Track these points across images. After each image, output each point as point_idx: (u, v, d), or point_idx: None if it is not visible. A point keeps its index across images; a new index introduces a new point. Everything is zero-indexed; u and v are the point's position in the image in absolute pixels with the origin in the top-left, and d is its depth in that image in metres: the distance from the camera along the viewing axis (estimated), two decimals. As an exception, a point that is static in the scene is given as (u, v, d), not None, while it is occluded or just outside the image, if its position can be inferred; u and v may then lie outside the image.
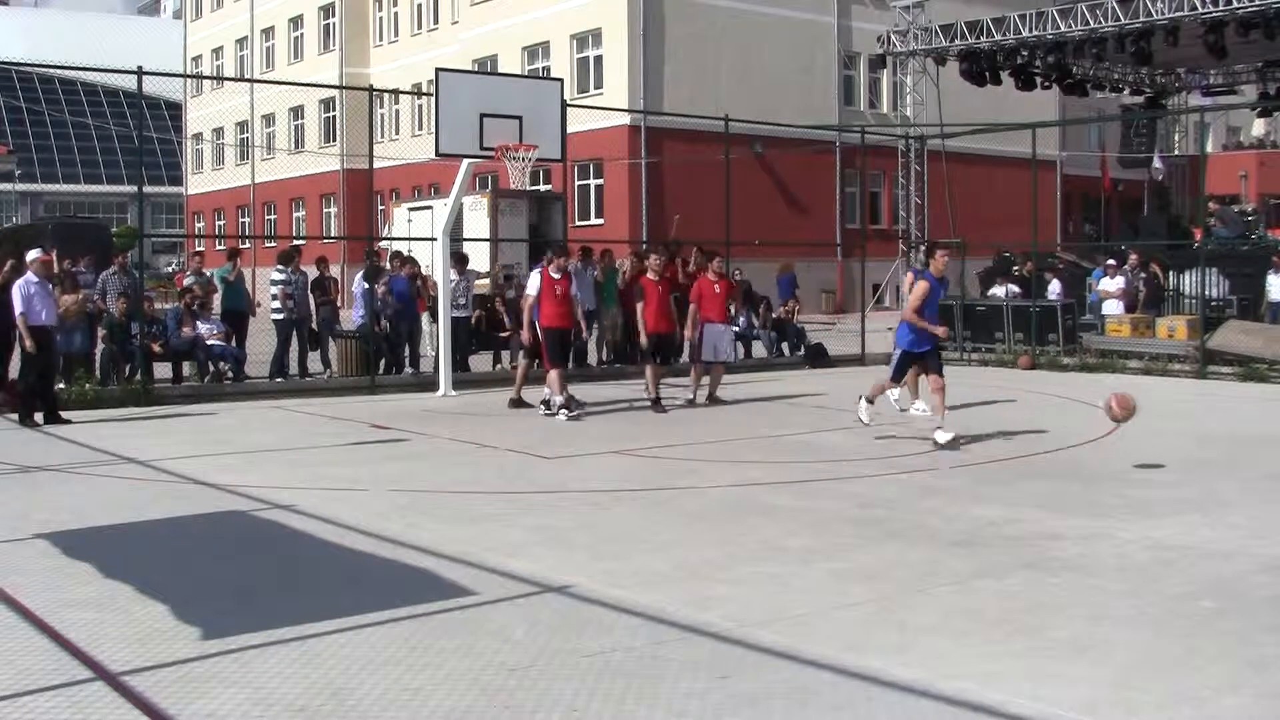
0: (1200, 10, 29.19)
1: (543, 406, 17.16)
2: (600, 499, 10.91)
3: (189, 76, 74.34)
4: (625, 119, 42.04)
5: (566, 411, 16.62)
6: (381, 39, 61.24)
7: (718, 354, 18.29)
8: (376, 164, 24.45)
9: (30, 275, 16.16)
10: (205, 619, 6.97)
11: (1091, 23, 31.51)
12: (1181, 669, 6.18)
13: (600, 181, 45.26)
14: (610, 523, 9.88)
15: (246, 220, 69.07)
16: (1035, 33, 32.90)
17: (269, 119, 66.83)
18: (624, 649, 6.47)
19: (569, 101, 22.58)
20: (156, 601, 7.39)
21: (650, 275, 18.13)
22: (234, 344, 21.12)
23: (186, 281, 22.86)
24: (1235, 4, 28.60)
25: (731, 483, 11.76)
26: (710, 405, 18.12)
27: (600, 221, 44.12)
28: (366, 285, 21.63)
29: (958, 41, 34.83)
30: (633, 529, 9.62)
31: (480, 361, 23.64)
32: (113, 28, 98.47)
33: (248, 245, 60.61)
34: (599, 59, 45.71)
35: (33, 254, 16.52)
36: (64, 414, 16.58)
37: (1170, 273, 28.54)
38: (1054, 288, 28.95)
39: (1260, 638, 6.68)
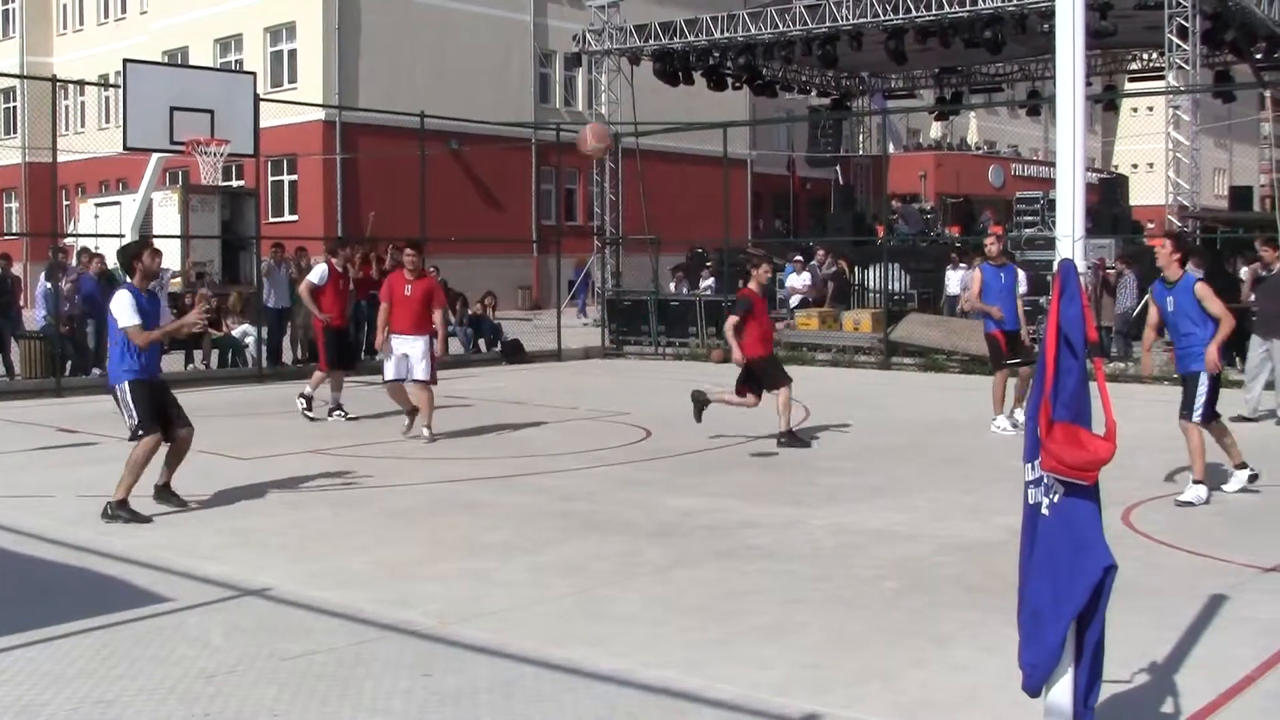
0: (882, 18, 30.32)
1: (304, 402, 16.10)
2: (298, 499, 10.73)
3: None
4: (320, 114, 41.32)
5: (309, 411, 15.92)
6: (66, 27, 58.73)
7: (410, 371, 14.27)
8: (61, 157, 23.51)
9: None
10: (-125, 636, 6.60)
11: (780, 26, 32.37)
12: (870, 647, 6.43)
13: (294, 177, 44.39)
14: (308, 523, 9.73)
15: (-83, 215, 65.45)
16: (726, 35, 33.60)
17: (-58, 108, 63.48)
18: (325, 650, 6.38)
19: (262, 96, 22.09)
20: None
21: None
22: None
23: None
24: (914, 13, 29.79)
25: (432, 480, 11.70)
26: (430, 440, 14.11)
27: (294, 218, 43.26)
28: (49, 284, 20.76)
29: (651, 42, 35.29)
30: (332, 529, 9.49)
31: (171, 361, 22.92)
32: None
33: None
34: (293, 53, 44.83)
35: None
36: None
37: (855, 268, 29.54)
38: (709, 283, 29.85)
39: (943, 614, 7.00)
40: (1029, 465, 4.61)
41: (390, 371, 14.32)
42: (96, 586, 7.82)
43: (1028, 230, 31.17)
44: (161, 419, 10.08)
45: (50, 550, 8.74)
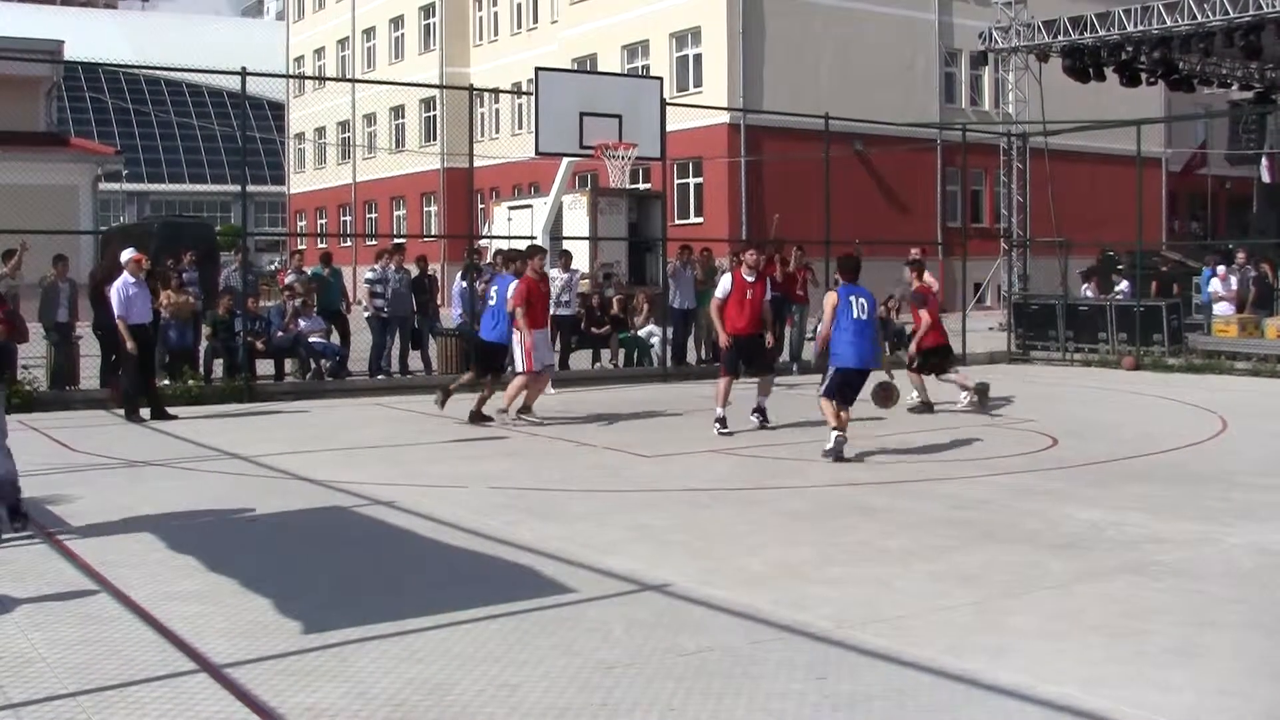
0: (1314, 3, 28.60)
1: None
2: (698, 498, 10.90)
3: (291, 77, 75.08)
4: (725, 117, 41.97)
5: (720, 427, 15.18)
6: (481, 38, 61.56)
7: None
8: (476, 163, 24.59)
9: (126, 276, 16.27)
10: (306, 613, 7.05)
11: (1199, 17, 30.90)
12: (1289, 676, 6.07)
13: (700, 180, 45.22)
14: (708, 522, 9.87)
15: (348, 219, 69.76)
16: (1140, 28, 32.32)
17: (370, 118, 67.41)
18: (721, 648, 6.45)
19: (668, 100, 22.57)
20: (259, 595, 7.49)
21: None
22: (335, 341, 21.39)
23: (288, 279, 23.16)
24: (1350, -3, 28.00)
25: (829, 482, 11.69)
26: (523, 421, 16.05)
27: (700, 220, 44.09)
28: (465, 284, 21.73)
29: (1060, 37, 34.31)
30: (730, 528, 9.60)
31: (580, 359, 23.70)
32: (217, 30, 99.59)
33: (349, 243, 61.32)
34: (698, 57, 45.67)
35: (126, 254, 16.49)
36: (169, 410, 16.80)
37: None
38: (1122, 287, 29.24)
39: (1372, 645, 6.55)
40: None
41: (542, 360, 16.44)
42: (504, 574, 8.13)
43: None
44: (495, 370, 16.28)
45: (461, 538, 9.15)
